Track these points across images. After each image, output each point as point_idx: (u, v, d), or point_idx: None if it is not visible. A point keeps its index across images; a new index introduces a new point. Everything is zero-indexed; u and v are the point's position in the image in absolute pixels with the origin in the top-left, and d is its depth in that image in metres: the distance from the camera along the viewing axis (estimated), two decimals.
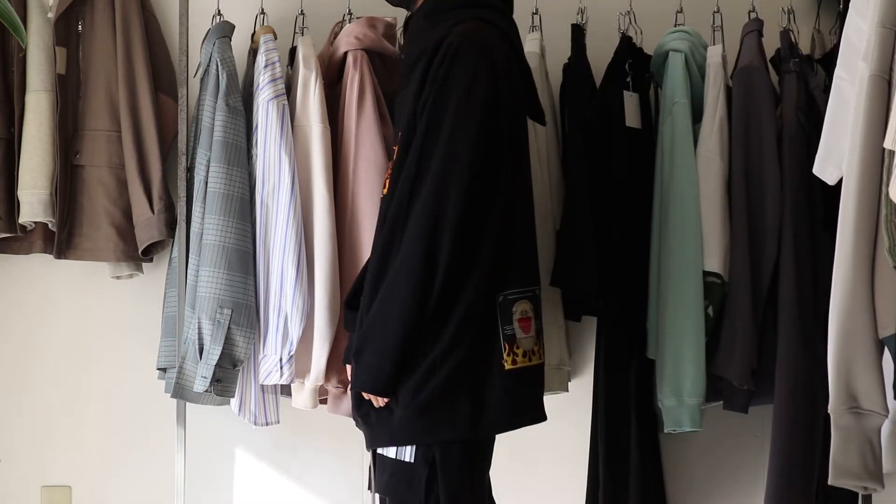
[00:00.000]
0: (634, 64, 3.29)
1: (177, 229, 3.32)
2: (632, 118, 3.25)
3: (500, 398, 2.57)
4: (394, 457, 2.59)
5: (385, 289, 2.53)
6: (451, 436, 2.57)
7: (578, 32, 3.34)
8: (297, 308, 3.13)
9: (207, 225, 3.15)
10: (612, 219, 3.20)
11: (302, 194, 3.18)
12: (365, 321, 2.57)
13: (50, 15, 3.40)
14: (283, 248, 3.16)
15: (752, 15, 3.28)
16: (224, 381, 3.13)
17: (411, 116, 2.59)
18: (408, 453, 2.59)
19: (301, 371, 3.20)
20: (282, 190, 3.16)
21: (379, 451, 2.62)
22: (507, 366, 2.58)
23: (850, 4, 2.82)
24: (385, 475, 2.62)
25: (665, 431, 3.14)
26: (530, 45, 3.30)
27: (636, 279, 3.21)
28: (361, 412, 2.62)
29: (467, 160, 2.51)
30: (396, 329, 2.52)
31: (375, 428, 2.61)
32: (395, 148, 2.64)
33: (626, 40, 3.32)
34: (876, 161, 2.63)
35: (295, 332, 3.14)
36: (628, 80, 3.26)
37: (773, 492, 3.03)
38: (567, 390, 3.33)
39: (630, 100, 3.25)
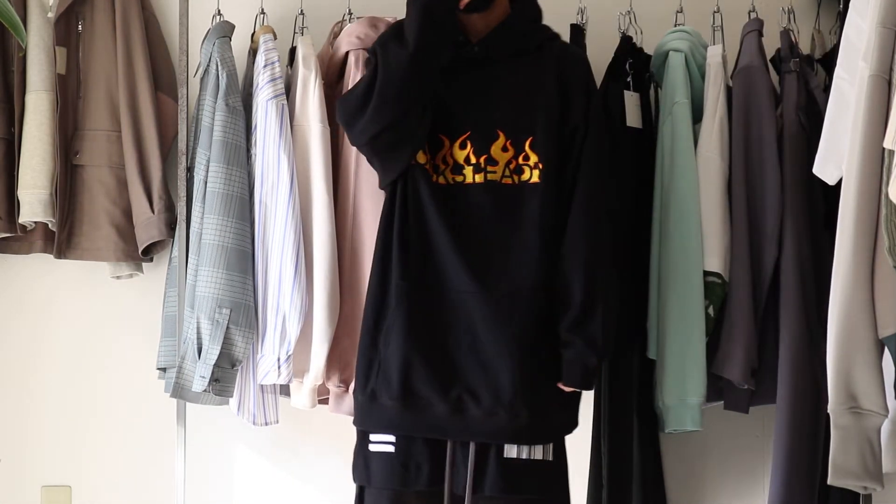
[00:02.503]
0: (634, 64, 3.29)
1: (177, 229, 3.32)
2: (632, 118, 3.25)
3: None
4: (540, 457, 2.66)
5: (614, 303, 2.74)
6: None
7: (577, 32, 3.34)
8: (295, 307, 3.13)
9: (207, 225, 3.15)
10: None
11: (301, 194, 3.18)
12: (607, 322, 2.68)
13: (50, 15, 3.40)
14: (281, 247, 3.16)
15: (752, 15, 3.28)
16: (222, 380, 3.13)
17: (550, 110, 2.72)
18: (550, 452, 2.69)
19: (299, 370, 3.20)
20: (280, 189, 3.16)
21: (507, 454, 2.66)
22: None
23: (850, 4, 2.82)
24: (526, 477, 2.66)
25: (666, 431, 3.14)
26: None
27: (637, 279, 3.20)
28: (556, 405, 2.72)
29: None
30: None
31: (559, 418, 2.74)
32: (502, 133, 2.71)
33: (626, 40, 3.32)
34: (876, 161, 2.63)
35: (293, 332, 3.14)
36: (629, 79, 3.27)
37: (778, 491, 3.02)
38: None
39: (631, 99, 3.25)
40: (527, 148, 2.70)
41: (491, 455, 2.66)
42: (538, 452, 2.67)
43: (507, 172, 2.70)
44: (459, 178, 2.70)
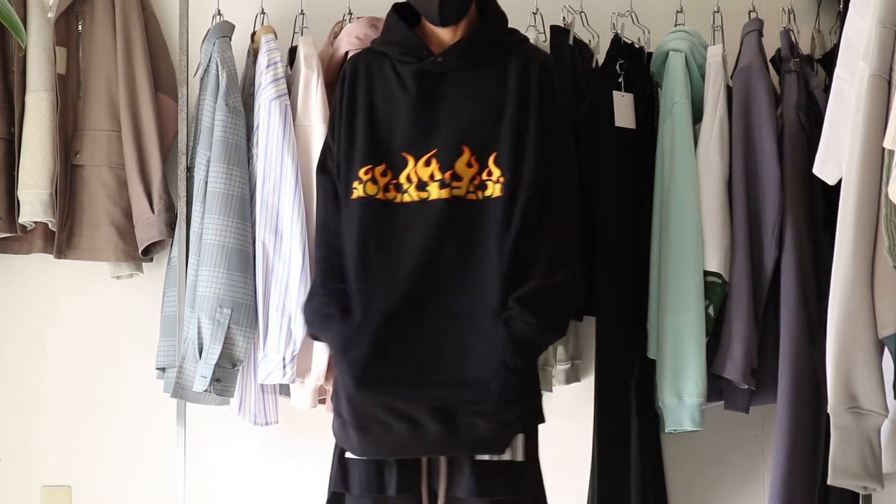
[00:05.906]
0: (631, 63, 3.29)
1: (177, 229, 3.33)
2: (623, 118, 3.24)
3: None
4: (509, 458, 2.62)
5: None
6: None
7: (556, 32, 3.31)
8: (301, 308, 3.12)
9: (207, 224, 3.15)
10: (599, 220, 3.17)
11: (304, 194, 3.18)
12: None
13: (50, 15, 3.40)
14: (289, 248, 3.15)
15: (752, 15, 3.28)
16: (223, 380, 3.13)
17: (515, 121, 2.69)
18: (520, 452, 2.64)
19: (301, 371, 3.20)
20: (285, 190, 3.16)
21: (479, 457, 2.62)
22: None
23: (850, 4, 2.82)
24: (498, 479, 2.63)
25: (665, 431, 3.14)
26: None
27: (637, 278, 3.20)
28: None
29: None
30: None
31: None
32: (467, 149, 2.67)
33: (616, 41, 3.31)
34: (876, 161, 2.63)
35: (299, 333, 3.14)
36: (620, 80, 3.26)
37: (778, 492, 3.02)
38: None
39: (622, 100, 3.24)
40: (490, 163, 2.66)
41: (463, 458, 2.64)
42: (507, 454, 2.62)
43: (472, 188, 2.66)
44: (424, 195, 2.66)
